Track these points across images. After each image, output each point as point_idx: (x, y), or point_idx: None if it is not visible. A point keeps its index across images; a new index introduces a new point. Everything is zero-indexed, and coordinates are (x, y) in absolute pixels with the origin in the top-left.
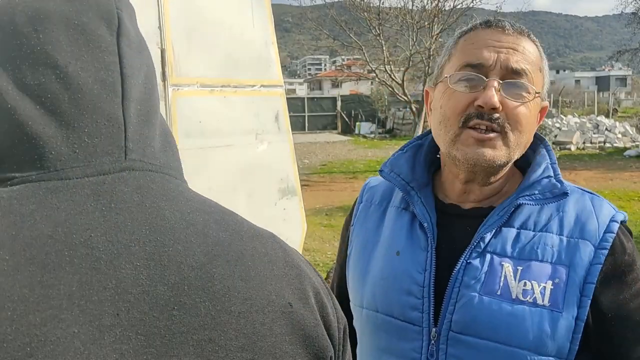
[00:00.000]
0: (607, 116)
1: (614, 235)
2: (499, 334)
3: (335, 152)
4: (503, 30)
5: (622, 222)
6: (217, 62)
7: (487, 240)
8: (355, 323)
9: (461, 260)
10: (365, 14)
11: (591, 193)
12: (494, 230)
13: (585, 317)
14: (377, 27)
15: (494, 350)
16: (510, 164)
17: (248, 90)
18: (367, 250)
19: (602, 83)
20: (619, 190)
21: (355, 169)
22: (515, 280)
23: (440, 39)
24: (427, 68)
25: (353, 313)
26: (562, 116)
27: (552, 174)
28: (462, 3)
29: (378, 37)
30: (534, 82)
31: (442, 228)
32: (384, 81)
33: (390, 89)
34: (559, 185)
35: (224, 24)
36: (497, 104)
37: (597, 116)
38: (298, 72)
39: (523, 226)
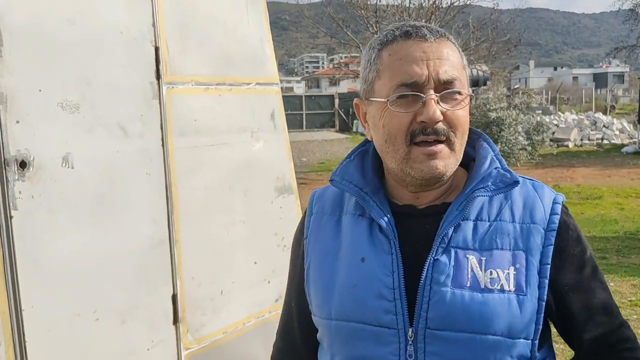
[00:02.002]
0: (604, 113)
1: (559, 215)
2: (474, 325)
3: (333, 150)
4: (424, 39)
5: (562, 202)
6: (211, 59)
7: (448, 236)
8: (321, 337)
9: (429, 258)
10: (363, 11)
11: (530, 179)
12: (455, 225)
13: (546, 297)
14: (374, 25)
15: (471, 341)
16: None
17: (243, 88)
18: (329, 261)
19: (600, 80)
20: (617, 187)
21: None
22: (482, 270)
23: None
24: None
25: (318, 327)
26: (559, 113)
27: (499, 165)
28: (458, 0)
29: (375, 35)
30: (462, 83)
31: (401, 229)
32: None
33: None
34: (508, 175)
35: (218, 21)
36: (440, 117)
37: (594, 113)
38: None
39: (478, 218)
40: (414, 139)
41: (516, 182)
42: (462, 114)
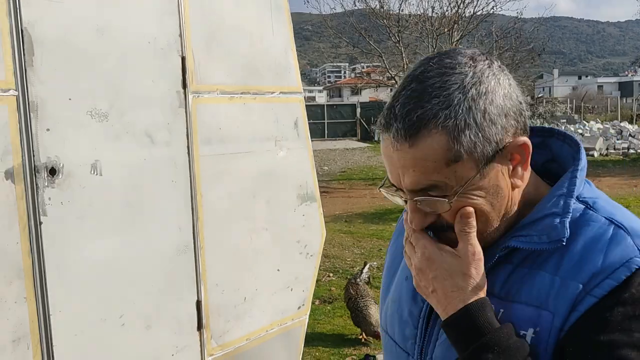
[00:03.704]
0: (630, 122)
1: (617, 284)
2: None
3: (355, 159)
4: (390, 141)
5: None
6: (236, 69)
7: None
8: None
9: None
10: (385, 21)
11: (620, 225)
12: (487, 268)
13: None
14: (396, 34)
15: None
16: (502, 220)
17: (267, 97)
18: (391, 271)
19: (625, 88)
20: None
21: (375, 176)
22: None
23: (460, 45)
24: None
25: None
26: (584, 122)
27: (560, 212)
28: (482, 9)
29: (397, 44)
30: (447, 181)
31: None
32: None
33: None
34: (558, 228)
35: (243, 31)
36: (422, 225)
37: (620, 122)
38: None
39: (522, 262)
40: None
41: (560, 241)
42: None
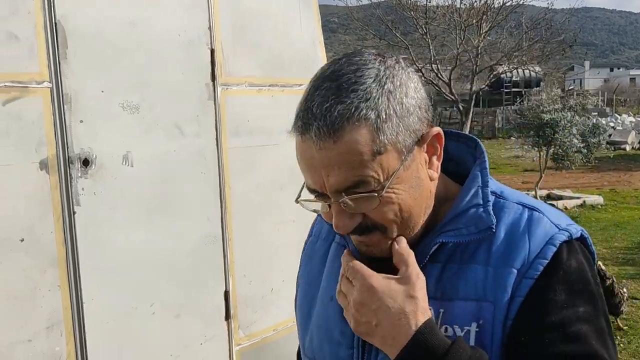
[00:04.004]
0: None
1: (547, 262)
2: None
3: None
4: (312, 142)
5: (573, 240)
6: (264, 61)
7: None
8: None
9: None
10: (412, 13)
11: (532, 207)
12: None
13: None
14: (423, 26)
15: None
16: (425, 214)
17: (295, 89)
18: (310, 294)
19: None
20: None
21: None
22: (437, 325)
23: (488, 37)
24: (474, 67)
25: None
26: (616, 115)
27: (481, 202)
28: (511, 0)
29: (425, 36)
30: (375, 175)
31: (377, 268)
32: (430, 80)
33: (437, 88)
34: (484, 217)
35: (271, 23)
36: (349, 228)
37: None
38: None
39: (449, 259)
40: None
41: (489, 229)
42: (386, 209)
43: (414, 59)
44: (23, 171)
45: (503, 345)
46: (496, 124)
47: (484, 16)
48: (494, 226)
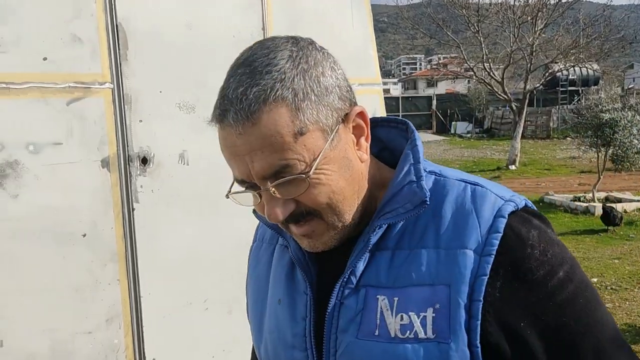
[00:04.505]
0: None
1: (500, 234)
2: None
3: (430, 152)
4: (231, 128)
5: (520, 210)
6: None
7: (359, 272)
8: None
9: (332, 301)
10: (464, 10)
11: (474, 183)
12: (365, 258)
13: (479, 341)
14: (475, 24)
15: None
16: (359, 198)
17: None
18: (260, 301)
19: None
20: None
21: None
22: (392, 314)
23: (544, 34)
24: (529, 65)
25: None
26: None
27: (414, 178)
28: None
29: (477, 34)
30: (300, 158)
31: (323, 263)
32: (482, 79)
33: (489, 87)
34: (418, 191)
35: (324, 23)
36: (282, 215)
37: None
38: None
39: (397, 244)
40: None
41: (423, 203)
42: (316, 191)
43: (466, 57)
44: (86, 169)
45: (463, 328)
46: (551, 124)
47: (539, 13)
48: (427, 199)
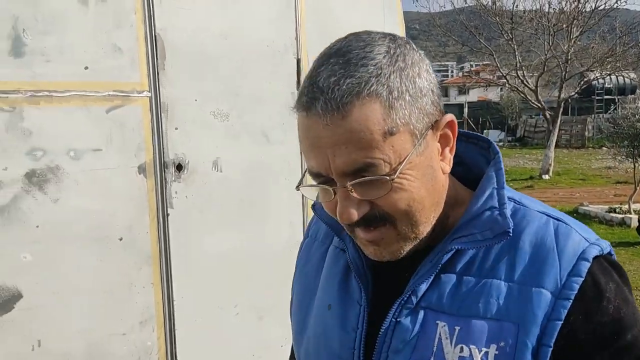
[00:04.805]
0: None
1: (582, 279)
2: None
3: None
4: (318, 117)
5: (602, 256)
6: None
7: (420, 292)
8: None
9: (389, 319)
10: (497, 18)
11: (558, 219)
12: (429, 280)
13: None
14: (509, 32)
15: None
16: (436, 211)
17: None
18: (305, 301)
19: None
20: None
21: None
22: (451, 344)
23: (579, 42)
24: (563, 73)
25: None
26: None
27: (496, 204)
28: (604, 4)
29: (510, 42)
30: (385, 159)
31: (380, 275)
32: (515, 87)
33: (522, 95)
34: (500, 220)
35: (357, 31)
36: (355, 217)
37: None
38: None
39: (466, 271)
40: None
41: (506, 233)
42: (397, 197)
43: (498, 65)
44: (124, 175)
45: None
46: (586, 133)
47: (575, 20)
48: (510, 230)
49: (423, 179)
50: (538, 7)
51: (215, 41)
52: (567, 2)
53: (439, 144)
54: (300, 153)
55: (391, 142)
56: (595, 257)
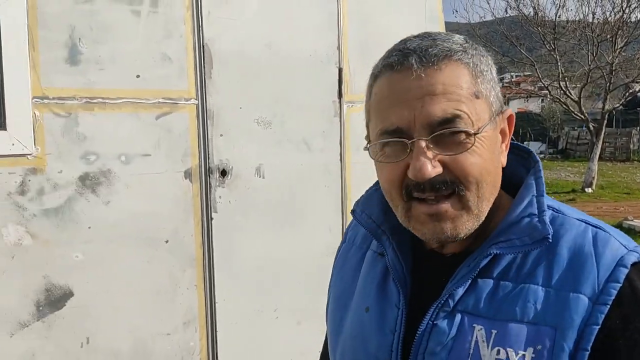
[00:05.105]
0: None
1: (620, 285)
2: None
3: None
4: (410, 71)
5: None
6: None
7: (457, 296)
8: None
9: (425, 321)
10: (539, 28)
11: (596, 226)
12: (466, 284)
13: None
14: (551, 42)
15: None
16: (493, 194)
17: None
18: (342, 303)
19: None
20: None
21: None
22: (488, 347)
23: (624, 53)
24: (608, 84)
25: None
26: None
27: (536, 211)
28: None
29: (552, 52)
30: (471, 116)
31: (419, 279)
32: (557, 98)
33: (565, 106)
34: (539, 226)
35: (397, 40)
36: (430, 173)
37: None
38: None
39: (503, 276)
40: (411, 194)
41: (545, 239)
42: (470, 159)
43: (540, 75)
44: (171, 179)
45: None
46: (631, 146)
47: (619, 31)
48: (549, 236)
49: (492, 155)
50: (582, 17)
51: (259, 51)
52: (611, 12)
53: (500, 136)
54: (341, 160)
55: (476, 104)
56: (634, 264)
